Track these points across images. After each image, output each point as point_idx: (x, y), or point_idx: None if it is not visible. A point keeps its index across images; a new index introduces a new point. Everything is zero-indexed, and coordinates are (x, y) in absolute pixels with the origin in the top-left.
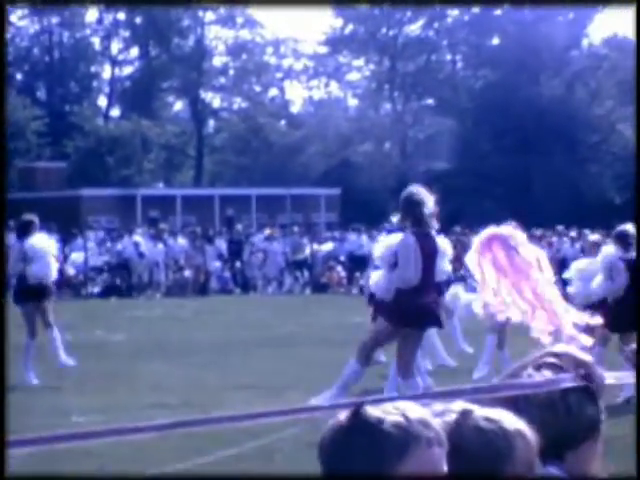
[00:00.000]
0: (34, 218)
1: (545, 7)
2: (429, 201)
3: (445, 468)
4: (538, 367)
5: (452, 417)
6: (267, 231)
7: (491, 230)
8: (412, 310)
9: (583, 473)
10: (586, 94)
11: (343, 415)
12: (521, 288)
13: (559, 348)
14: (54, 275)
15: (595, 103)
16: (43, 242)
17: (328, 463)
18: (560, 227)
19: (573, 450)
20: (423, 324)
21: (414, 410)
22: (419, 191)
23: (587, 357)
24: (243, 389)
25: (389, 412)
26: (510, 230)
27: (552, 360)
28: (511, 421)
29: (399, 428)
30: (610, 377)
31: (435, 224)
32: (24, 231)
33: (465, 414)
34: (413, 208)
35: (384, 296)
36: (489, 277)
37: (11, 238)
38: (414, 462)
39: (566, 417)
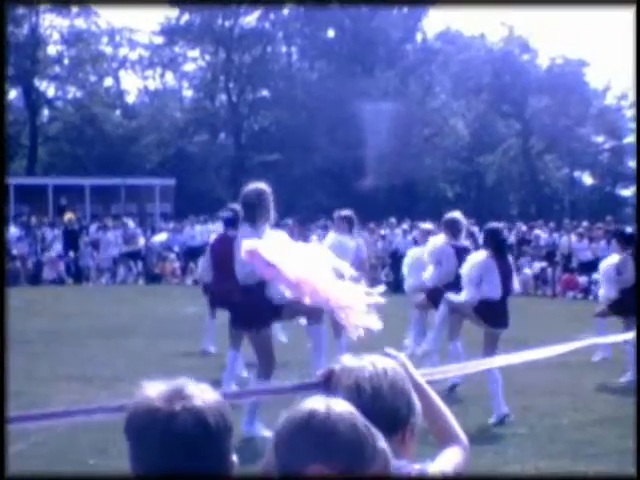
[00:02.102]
0: None
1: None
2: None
3: None
4: None
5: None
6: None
7: (249, 244)
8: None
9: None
10: (420, 87)
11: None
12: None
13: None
14: None
15: (428, 96)
16: None
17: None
18: (392, 219)
19: None
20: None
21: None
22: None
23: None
24: (73, 380)
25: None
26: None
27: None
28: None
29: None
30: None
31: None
32: None
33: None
34: None
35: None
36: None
37: None
38: None
39: (372, 404)
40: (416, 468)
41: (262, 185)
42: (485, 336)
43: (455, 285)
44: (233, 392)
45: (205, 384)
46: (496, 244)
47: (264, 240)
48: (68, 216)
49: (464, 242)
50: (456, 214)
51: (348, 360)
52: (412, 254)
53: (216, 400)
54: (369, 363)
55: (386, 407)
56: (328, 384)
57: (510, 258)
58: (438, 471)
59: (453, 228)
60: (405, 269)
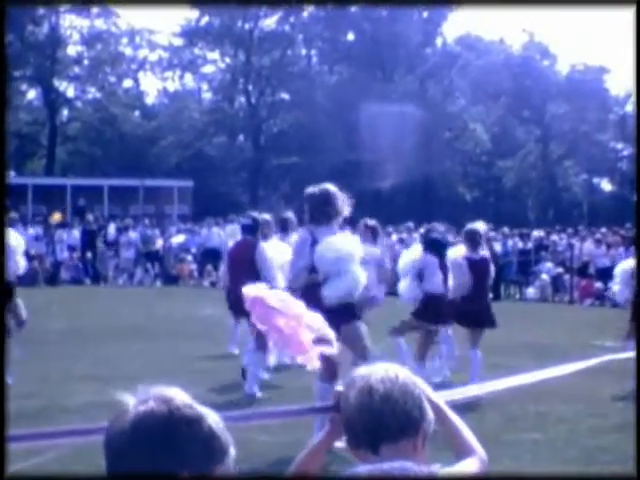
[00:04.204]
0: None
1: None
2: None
3: None
4: None
5: None
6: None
7: (251, 291)
8: None
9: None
10: (439, 91)
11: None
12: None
13: None
14: (20, 273)
15: (448, 101)
16: (10, 238)
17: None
18: (410, 224)
19: (390, 444)
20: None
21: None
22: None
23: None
24: (91, 380)
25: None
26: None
27: None
28: None
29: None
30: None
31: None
32: None
33: None
34: None
35: None
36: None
37: None
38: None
39: (384, 404)
40: (424, 470)
41: (325, 186)
42: (422, 334)
43: (471, 298)
44: (242, 414)
45: (184, 394)
46: (435, 247)
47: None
48: (56, 217)
49: (483, 253)
50: (478, 225)
51: (361, 369)
52: (405, 258)
53: (184, 405)
54: (381, 369)
55: (398, 409)
56: (339, 406)
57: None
58: (447, 475)
59: (472, 240)
60: (402, 275)
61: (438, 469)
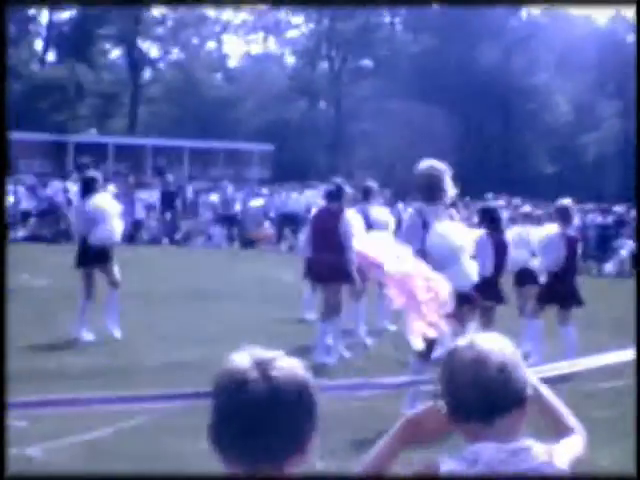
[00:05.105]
0: (97, 175)
1: None
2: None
3: None
4: None
5: None
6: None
7: (361, 250)
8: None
9: (511, 442)
10: (523, 63)
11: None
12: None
13: None
14: (118, 237)
15: (531, 72)
16: (106, 203)
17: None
18: (489, 195)
19: (504, 415)
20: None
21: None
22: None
23: None
24: (164, 340)
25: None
26: (374, 250)
27: None
28: None
29: None
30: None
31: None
32: (87, 190)
33: None
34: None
35: None
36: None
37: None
38: None
39: (499, 375)
40: (543, 451)
41: (434, 164)
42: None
43: (562, 274)
44: (344, 384)
45: (296, 360)
46: (490, 221)
47: (374, 241)
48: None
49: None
50: (566, 201)
51: (461, 341)
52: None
53: (299, 376)
54: (487, 340)
55: (512, 380)
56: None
57: (506, 235)
58: (566, 462)
59: (565, 216)
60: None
61: (555, 451)
